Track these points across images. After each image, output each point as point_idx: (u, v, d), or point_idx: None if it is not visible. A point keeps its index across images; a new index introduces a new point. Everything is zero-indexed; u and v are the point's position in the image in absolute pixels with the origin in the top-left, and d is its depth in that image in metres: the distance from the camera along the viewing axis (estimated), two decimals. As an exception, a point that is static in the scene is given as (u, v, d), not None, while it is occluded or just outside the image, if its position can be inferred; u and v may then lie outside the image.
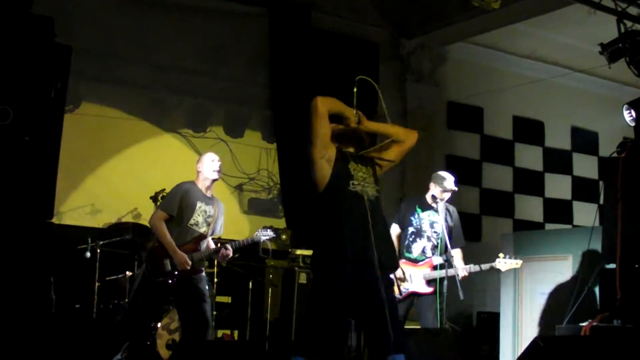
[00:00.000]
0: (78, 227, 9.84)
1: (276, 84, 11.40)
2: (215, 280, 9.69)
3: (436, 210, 8.35)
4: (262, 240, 8.10)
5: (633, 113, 8.13)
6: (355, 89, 5.98)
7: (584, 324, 8.75)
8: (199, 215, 7.46)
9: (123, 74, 10.51)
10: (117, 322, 8.28)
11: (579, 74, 13.45)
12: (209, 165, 7.56)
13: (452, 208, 8.52)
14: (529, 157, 13.82)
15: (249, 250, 10.63)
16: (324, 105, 5.72)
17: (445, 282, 8.07)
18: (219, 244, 7.69)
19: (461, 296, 7.93)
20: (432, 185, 8.35)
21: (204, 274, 7.60)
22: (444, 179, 8.33)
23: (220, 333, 10.33)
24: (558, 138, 14.16)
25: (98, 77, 10.29)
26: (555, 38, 12.88)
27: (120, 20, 10.49)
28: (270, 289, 10.20)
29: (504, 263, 8.40)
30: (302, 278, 9.97)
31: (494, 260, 8.39)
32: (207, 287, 7.59)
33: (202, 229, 7.48)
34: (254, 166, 11.48)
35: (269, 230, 8.12)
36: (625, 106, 8.22)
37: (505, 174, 13.50)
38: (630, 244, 8.17)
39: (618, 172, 8.10)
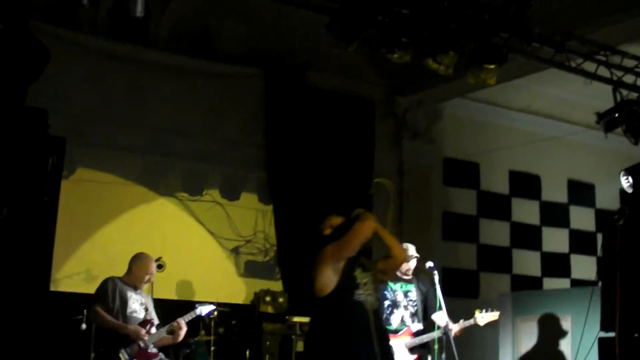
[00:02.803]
0: (74, 293, 9.76)
1: (272, 144, 11.36)
2: (212, 348, 9.63)
3: (408, 282, 8.61)
4: (203, 314, 8.25)
5: (630, 179, 8.11)
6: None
7: (585, 391, 8.72)
8: (134, 303, 7.58)
9: (118, 138, 10.48)
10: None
11: (575, 126, 13.44)
12: (144, 275, 7.73)
13: (421, 277, 8.65)
14: (526, 211, 13.77)
15: (245, 315, 10.66)
16: (373, 230, 5.67)
17: (444, 356, 8.08)
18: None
19: (459, 367, 7.93)
20: None
21: (162, 355, 7.66)
22: (405, 249, 8.43)
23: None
24: (555, 191, 14.13)
25: (93, 142, 10.24)
26: (550, 92, 12.90)
27: (115, 84, 10.46)
28: (267, 356, 10.13)
29: (481, 318, 8.49)
30: (300, 346, 9.89)
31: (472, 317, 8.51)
32: None
33: (142, 315, 7.58)
34: (250, 228, 11.38)
35: (210, 305, 8.47)
36: (622, 172, 8.19)
37: (503, 229, 13.45)
38: (630, 313, 8.13)
39: (616, 240, 8.07)
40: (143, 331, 7.42)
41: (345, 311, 5.49)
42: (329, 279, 5.50)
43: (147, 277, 7.82)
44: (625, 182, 8.14)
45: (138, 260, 7.87)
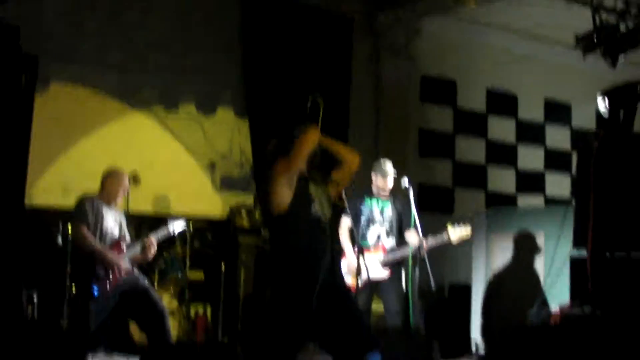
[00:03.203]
0: (49, 208, 9.75)
1: (248, 59, 11.20)
2: (187, 262, 9.69)
3: (384, 199, 8.77)
4: (175, 232, 8.18)
5: (607, 102, 8.13)
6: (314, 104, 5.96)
7: (554, 308, 8.85)
8: (109, 220, 7.55)
9: (92, 53, 10.30)
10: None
11: (554, 46, 13.39)
12: (118, 190, 7.69)
13: (398, 195, 8.72)
14: (502, 129, 13.79)
15: (220, 229, 10.73)
16: (317, 138, 5.73)
17: (417, 273, 8.18)
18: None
19: (432, 286, 8.02)
20: (373, 176, 8.75)
21: (136, 270, 7.67)
22: (381, 166, 8.71)
23: (192, 309, 10.32)
24: (531, 110, 14.13)
25: (67, 56, 10.05)
26: (530, 11, 12.78)
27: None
28: (242, 268, 10.23)
29: (453, 232, 8.54)
30: (275, 260, 9.96)
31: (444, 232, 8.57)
32: (146, 282, 7.64)
33: (116, 233, 7.56)
34: (226, 143, 11.34)
35: (180, 220, 8.32)
36: (599, 95, 8.20)
37: (478, 147, 13.48)
38: (602, 232, 8.23)
39: (590, 162, 8.13)
40: (122, 265, 7.41)
41: (302, 226, 5.49)
42: (283, 194, 5.48)
43: (120, 193, 7.78)
44: (602, 104, 8.14)
45: (110, 177, 7.82)
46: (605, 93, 8.08)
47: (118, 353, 8.80)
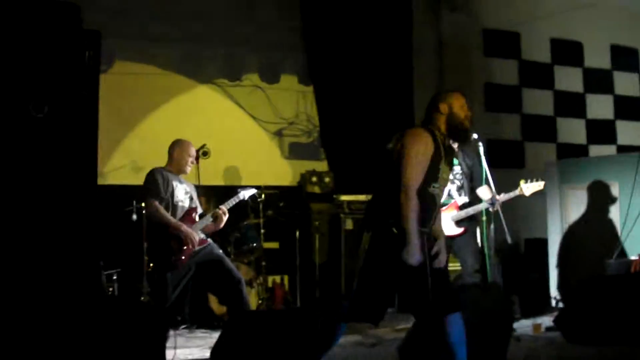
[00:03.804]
0: (122, 185, 9.88)
1: (308, 24, 11.19)
2: (262, 231, 9.74)
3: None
4: (246, 198, 8.14)
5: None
6: None
7: (634, 257, 8.73)
8: (179, 192, 7.56)
9: (153, 28, 10.38)
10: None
11: (617, -10, 13.12)
12: (187, 158, 7.66)
13: (467, 150, 8.58)
14: (569, 79, 13.52)
15: (292, 196, 10.77)
16: None
17: (492, 226, 8.09)
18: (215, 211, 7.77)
19: (509, 240, 7.95)
20: None
21: (210, 240, 7.67)
22: None
23: (270, 280, 10.39)
24: (597, 57, 13.83)
25: (129, 34, 10.17)
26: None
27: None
28: (317, 235, 10.27)
29: (526, 188, 8.44)
30: (349, 224, 10.04)
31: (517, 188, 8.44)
32: (220, 252, 7.65)
33: (187, 204, 7.56)
34: (292, 110, 11.42)
35: (252, 188, 8.37)
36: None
37: (546, 98, 13.24)
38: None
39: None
40: (196, 237, 7.43)
41: (418, 195, 5.42)
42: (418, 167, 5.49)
43: (189, 161, 7.77)
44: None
45: (177, 146, 7.83)
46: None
47: (199, 328, 8.95)
